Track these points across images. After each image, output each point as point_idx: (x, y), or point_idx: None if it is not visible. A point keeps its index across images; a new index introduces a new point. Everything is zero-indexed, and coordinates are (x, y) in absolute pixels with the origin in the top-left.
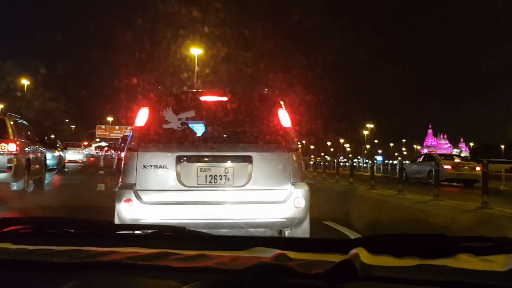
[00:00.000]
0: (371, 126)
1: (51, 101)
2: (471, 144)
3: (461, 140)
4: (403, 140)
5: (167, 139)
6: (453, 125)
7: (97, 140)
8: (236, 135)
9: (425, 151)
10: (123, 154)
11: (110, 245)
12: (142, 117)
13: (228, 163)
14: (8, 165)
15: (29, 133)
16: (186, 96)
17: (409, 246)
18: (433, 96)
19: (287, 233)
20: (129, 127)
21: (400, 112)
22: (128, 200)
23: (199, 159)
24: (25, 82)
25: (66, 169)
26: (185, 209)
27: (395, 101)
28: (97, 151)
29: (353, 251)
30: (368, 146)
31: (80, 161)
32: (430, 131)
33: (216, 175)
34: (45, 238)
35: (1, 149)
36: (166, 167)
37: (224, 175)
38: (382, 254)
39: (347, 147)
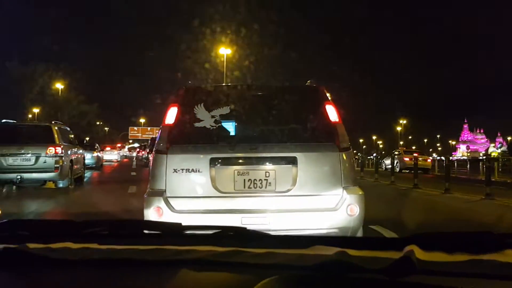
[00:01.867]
0: (404, 122)
1: (84, 104)
2: (509, 138)
3: (498, 135)
4: (438, 136)
5: (200, 139)
6: (490, 120)
7: (130, 141)
8: (278, 133)
9: (461, 146)
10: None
11: (185, 244)
12: (171, 115)
13: (270, 166)
14: (55, 165)
15: (71, 136)
16: (220, 90)
17: (458, 243)
18: (469, 90)
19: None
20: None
21: (435, 107)
22: (158, 208)
23: (236, 161)
24: (59, 86)
25: (102, 168)
26: (221, 218)
27: (430, 96)
28: (130, 152)
29: (407, 248)
30: (401, 143)
31: (116, 160)
32: (465, 126)
33: (255, 179)
34: (122, 238)
35: (50, 152)
36: (199, 171)
37: (265, 179)
38: (433, 251)
39: (380, 144)
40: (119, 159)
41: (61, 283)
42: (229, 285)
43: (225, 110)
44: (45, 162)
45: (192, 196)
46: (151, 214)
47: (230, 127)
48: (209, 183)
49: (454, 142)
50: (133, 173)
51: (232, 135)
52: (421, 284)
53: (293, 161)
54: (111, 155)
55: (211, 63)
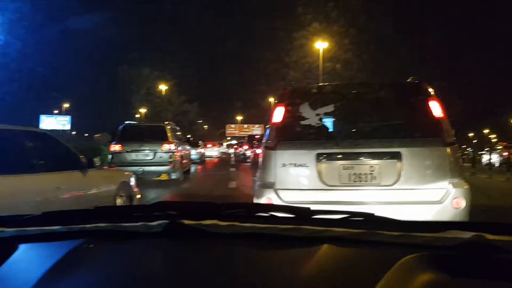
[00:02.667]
0: None
1: (186, 104)
2: None
3: None
4: None
5: (306, 136)
6: None
7: (228, 138)
8: (381, 129)
9: None
10: (258, 151)
11: (319, 226)
12: (278, 114)
13: (374, 161)
14: (169, 160)
15: (180, 135)
16: (323, 90)
17: None
18: None
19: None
20: (257, 125)
21: None
22: (269, 199)
23: (341, 156)
24: (163, 87)
25: (205, 162)
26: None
27: None
28: (228, 148)
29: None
30: None
31: (216, 156)
32: None
33: (360, 173)
34: (259, 219)
35: (164, 148)
36: (305, 166)
37: (370, 173)
38: None
39: (493, 138)
40: (219, 155)
41: (215, 251)
42: (372, 260)
43: (329, 108)
44: (161, 157)
45: (299, 188)
46: (266, 202)
47: (334, 124)
48: (315, 176)
49: None
50: (232, 169)
51: (336, 132)
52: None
53: (397, 156)
54: (212, 152)
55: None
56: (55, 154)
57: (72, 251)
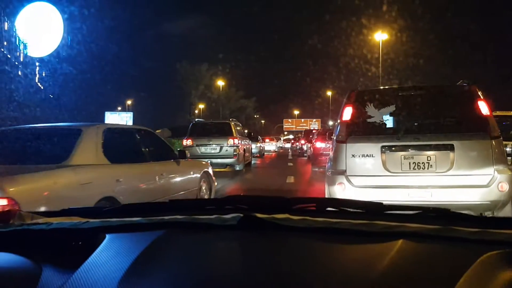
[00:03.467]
0: None
1: (243, 99)
2: None
3: None
4: None
5: (371, 131)
6: None
7: (285, 133)
8: (436, 125)
9: None
10: (317, 144)
11: (393, 221)
12: (347, 113)
13: (430, 152)
14: (234, 153)
15: (242, 131)
16: (385, 92)
17: None
18: None
19: (488, 214)
20: (314, 120)
21: None
22: (341, 183)
23: (402, 148)
24: (220, 83)
25: (264, 156)
26: (391, 192)
27: None
28: (285, 143)
29: None
30: None
31: (273, 151)
32: None
33: (419, 162)
34: (329, 213)
35: (229, 143)
36: (372, 156)
37: (427, 162)
38: None
39: None
40: (276, 150)
41: (291, 245)
42: (451, 257)
43: (391, 108)
44: (226, 150)
45: (367, 175)
46: (336, 188)
47: (395, 121)
48: (380, 165)
49: None
50: (290, 164)
51: (398, 127)
52: None
53: (450, 148)
54: (270, 146)
55: (368, 55)
56: (157, 147)
57: (155, 242)
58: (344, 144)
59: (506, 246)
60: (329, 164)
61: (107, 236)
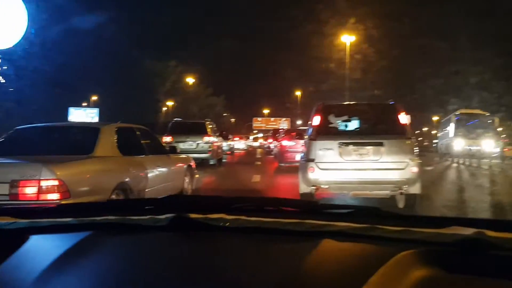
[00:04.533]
0: None
1: (212, 97)
2: None
3: None
4: None
5: (332, 133)
6: None
7: (255, 131)
8: (373, 129)
9: None
10: (283, 143)
11: (323, 220)
12: (316, 120)
13: (369, 146)
14: (208, 149)
15: (215, 129)
16: (341, 106)
17: None
18: None
19: (404, 187)
20: (283, 119)
21: None
22: (312, 167)
23: (351, 144)
24: (189, 80)
25: (234, 153)
26: (345, 173)
27: None
28: (254, 141)
29: (482, 229)
30: None
31: (243, 149)
32: None
33: (362, 153)
34: (265, 213)
35: (204, 140)
36: (332, 149)
37: (367, 153)
38: (509, 231)
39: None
40: (246, 148)
41: (218, 245)
42: (368, 255)
43: (345, 117)
44: (202, 146)
45: (329, 161)
46: (308, 171)
47: (349, 126)
48: (338, 155)
49: None
50: (258, 162)
51: (350, 131)
52: (488, 257)
53: (381, 144)
54: (239, 144)
55: (334, 55)
56: (153, 143)
57: (80, 243)
58: (314, 141)
59: (423, 245)
60: (302, 155)
61: (32, 237)
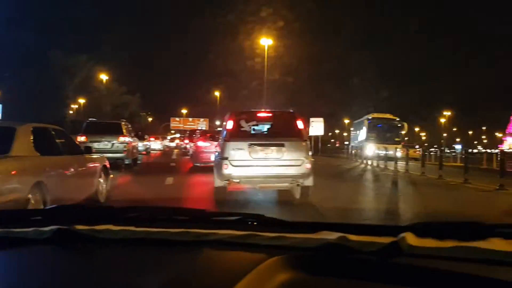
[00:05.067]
0: (449, 113)
1: (127, 95)
2: None
3: None
4: (483, 128)
5: (243, 135)
6: None
7: (172, 132)
8: (277, 133)
9: (508, 139)
10: (199, 144)
11: (209, 228)
12: (230, 124)
13: (273, 147)
14: (124, 149)
15: (130, 130)
16: (252, 113)
17: (449, 231)
18: None
19: (300, 181)
20: (202, 119)
21: (480, 99)
22: (226, 165)
23: (259, 145)
24: (101, 77)
25: (150, 154)
26: (253, 169)
27: (475, 87)
28: (171, 142)
29: (401, 235)
30: (445, 134)
31: (159, 150)
32: None
33: (267, 152)
34: (158, 223)
35: (120, 140)
36: (243, 149)
37: (271, 153)
38: (426, 237)
39: (423, 136)
40: (162, 148)
41: (103, 258)
42: (243, 262)
43: (254, 122)
44: (117, 146)
45: (240, 159)
46: (223, 167)
47: (257, 130)
48: (248, 154)
49: (501, 134)
50: (173, 164)
51: (258, 133)
52: (409, 265)
53: (282, 145)
54: (155, 145)
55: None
56: (68, 143)
57: None
58: (228, 142)
59: (294, 250)
60: (217, 154)
61: None
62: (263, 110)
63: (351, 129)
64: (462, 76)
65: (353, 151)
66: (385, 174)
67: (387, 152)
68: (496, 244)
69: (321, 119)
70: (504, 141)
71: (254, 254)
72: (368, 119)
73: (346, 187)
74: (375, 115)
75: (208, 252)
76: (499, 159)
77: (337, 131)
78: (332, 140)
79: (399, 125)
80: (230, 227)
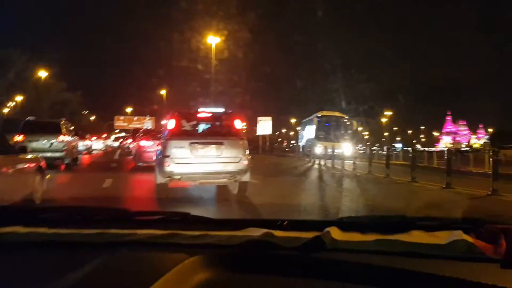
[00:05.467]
0: (390, 113)
1: (66, 92)
2: (490, 130)
3: (480, 126)
4: (422, 127)
5: (184, 134)
6: (473, 111)
7: (116, 131)
8: (216, 132)
9: (444, 138)
10: (141, 143)
11: (130, 228)
12: (171, 123)
13: (213, 145)
14: (63, 148)
15: (71, 129)
16: (192, 113)
17: (373, 224)
18: (452, 81)
19: (238, 177)
20: (147, 117)
21: (418, 99)
22: (167, 162)
23: (199, 143)
24: (38, 73)
25: (91, 153)
26: (194, 166)
27: (412, 87)
28: (114, 141)
29: (326, 229)
30: (386, 134)
31: (101, 149)
32: (448, 118)
33: (207, 150)
34: (75, 223)
35: (59, 139)
36: (185, 147)
37: (211, 150)
38: (350, 231)
39: (366, 135)
40: (104, 148)
41: (7, 263)
42: (162, 263)
43: (194, 122)
44: (56, 146)
45: (181, 157)
46: (165, 164)
47: (198, 129)
48: (189, 152)
49: (438, 134)
50: (114, 164)
51: (198, 132)
52: (331, 260)
53: (222, 144)
54: (97, 144)
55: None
56: (2, 143)
57: None
58: (170, 141)
59: (217, 248)
60: (159, 152)
61: None
62: (203, 110)
63: (298, 128)
64: (400, 78)
65: (302, 150)
66: (332, 173)
67: (336, 151)
68: (418, 236)
69: (269, 118)
70: (440, 140)
71: (174, 254)
72: (317, 117)
73: (289, 185)
74: (325, 113)
75: (125, 253)
76: (446, 157)
77: (284, 130)
78: (279, 140)
79: (348, 123)
80: (152, 226)
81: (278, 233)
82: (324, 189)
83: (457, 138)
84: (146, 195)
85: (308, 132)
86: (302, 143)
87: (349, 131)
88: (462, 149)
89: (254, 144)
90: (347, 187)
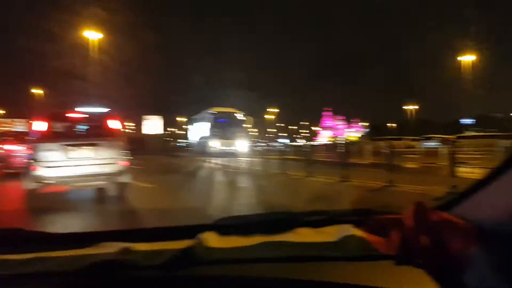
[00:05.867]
0: (276, 110)
1: None
2: (366, 124)
3: (357, 121)
4: (307, 123)
5: (57, 136)
6: (353, 107)
7: None
8: (93, 133)
9: (322, 132)
10: (9, 147)
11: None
12: (40, 125)
13: (88, 147)
14: None
15: None
16: (65, 113)
17: (257, 224)
18: (334, 77)
19: (116, 178)
20: (21, 120)
21: (302, 95)
22: (36, 166)
23: (73, 145)
24: None
25: None
26: (67, 169)
27: (297, 84)
28: None
29: (200, 236)
30: (274, 130)
31: None
32: (325, 113)
33: (83, 152)
34: None
35: None
36: (56, 150)
37: (87, 151)
38: (231, 235)
39: (255, 132)
40: None
41: None
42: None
43: (68, 123)
44: None
45: (53, 160)
46: (33, 170)
47: (73, 130)
48: (60, 154)
49: (318, 128)
50: None
51: (73, 134)
52: (203, 276)
53: (97, 145)
54: None
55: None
56: None
57: None
58: (38, 143)
59: (54, 275)
60: (28, 156)
61: None
62: (77, 110)
63: (188, 126)
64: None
65: (193, 148)
66: (226, 171)
67: (231, 148)
68: (305, 235)
69: (158, 117)
70: (319, 134)
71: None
72: (210, 113)
73: (179, 187)
74: (218, 109)
75: None
76: (338, 151)
77: (171, 129)
78: (167, 139)
79: (244, 119)
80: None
81: (139, 246)
82: (215, 189)
83: (334, 133)
84: (10, 206)
85: (200, 129)
86: (193, 141)
87: (245, 127)
88: (338, 142)
89: (142, 144)
90: (243, 185)
